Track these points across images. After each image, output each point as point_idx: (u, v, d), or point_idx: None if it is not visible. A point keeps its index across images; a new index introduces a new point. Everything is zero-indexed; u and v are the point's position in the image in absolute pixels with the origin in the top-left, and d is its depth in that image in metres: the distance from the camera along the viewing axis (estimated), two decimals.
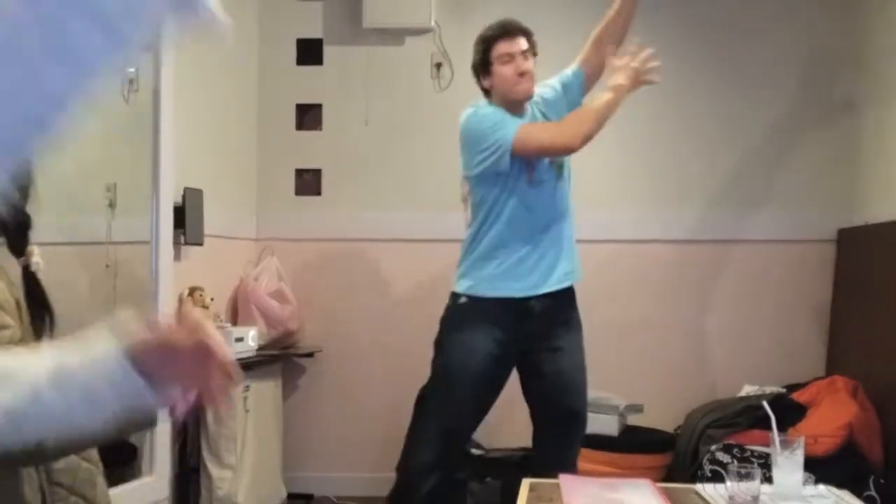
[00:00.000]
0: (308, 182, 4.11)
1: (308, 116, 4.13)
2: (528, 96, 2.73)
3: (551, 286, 2.73)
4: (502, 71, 2.69)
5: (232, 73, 3.92)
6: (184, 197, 3.21)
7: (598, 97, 2.68)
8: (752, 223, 3.89)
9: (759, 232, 3.89)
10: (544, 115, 2.80)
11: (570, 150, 2.67)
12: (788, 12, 3.90)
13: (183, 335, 0.91)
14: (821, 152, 3.88)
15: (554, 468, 2.20)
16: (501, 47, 2.69)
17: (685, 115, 3.95)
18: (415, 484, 2.76)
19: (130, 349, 0.88)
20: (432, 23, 3.94)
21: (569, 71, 2.87)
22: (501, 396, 2.85)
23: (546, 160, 2.70)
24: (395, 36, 4.02)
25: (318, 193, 4.10)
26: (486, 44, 2.72)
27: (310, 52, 4.08)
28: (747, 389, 3.64)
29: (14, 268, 1.12)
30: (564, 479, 2.03)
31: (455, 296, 2.78)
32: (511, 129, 2.62)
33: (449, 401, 2.75)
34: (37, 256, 1.15)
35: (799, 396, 3.41)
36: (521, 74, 2.68)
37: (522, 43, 2.70)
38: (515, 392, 2.83)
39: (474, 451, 3.56)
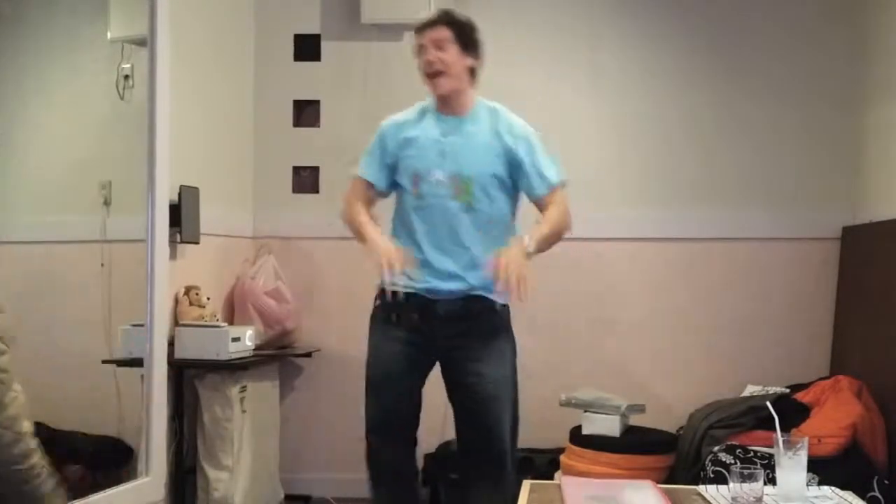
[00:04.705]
0: (306, 179, 4.08)
1: (306, 113, 4.10)
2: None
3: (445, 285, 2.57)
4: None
5: (228, 69, 3.89)
6: (179, 195, 3.18)
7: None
8: (755, 221, 3.86)
9: (762, 230, 3.86)
10: (500, 135, 2.61)
11: None
12: (790, 11, 3.87)
13: None
14: (825, 150, 3.86)
15: None
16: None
17: (689, 114, 3.92)
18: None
19: None
20: None
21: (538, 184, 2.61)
22: None
23: (435, 181, 2.61)
24: (393, 31, 3.99)
25: (316, 191, 4.07)
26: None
27: (307, 47, 4.05)
28: (750, 389, 3.62)
29: None
30: (565, 481, 2.02)
31: None
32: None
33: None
34: None
35: (803, 397, 3.38)
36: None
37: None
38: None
39: None
